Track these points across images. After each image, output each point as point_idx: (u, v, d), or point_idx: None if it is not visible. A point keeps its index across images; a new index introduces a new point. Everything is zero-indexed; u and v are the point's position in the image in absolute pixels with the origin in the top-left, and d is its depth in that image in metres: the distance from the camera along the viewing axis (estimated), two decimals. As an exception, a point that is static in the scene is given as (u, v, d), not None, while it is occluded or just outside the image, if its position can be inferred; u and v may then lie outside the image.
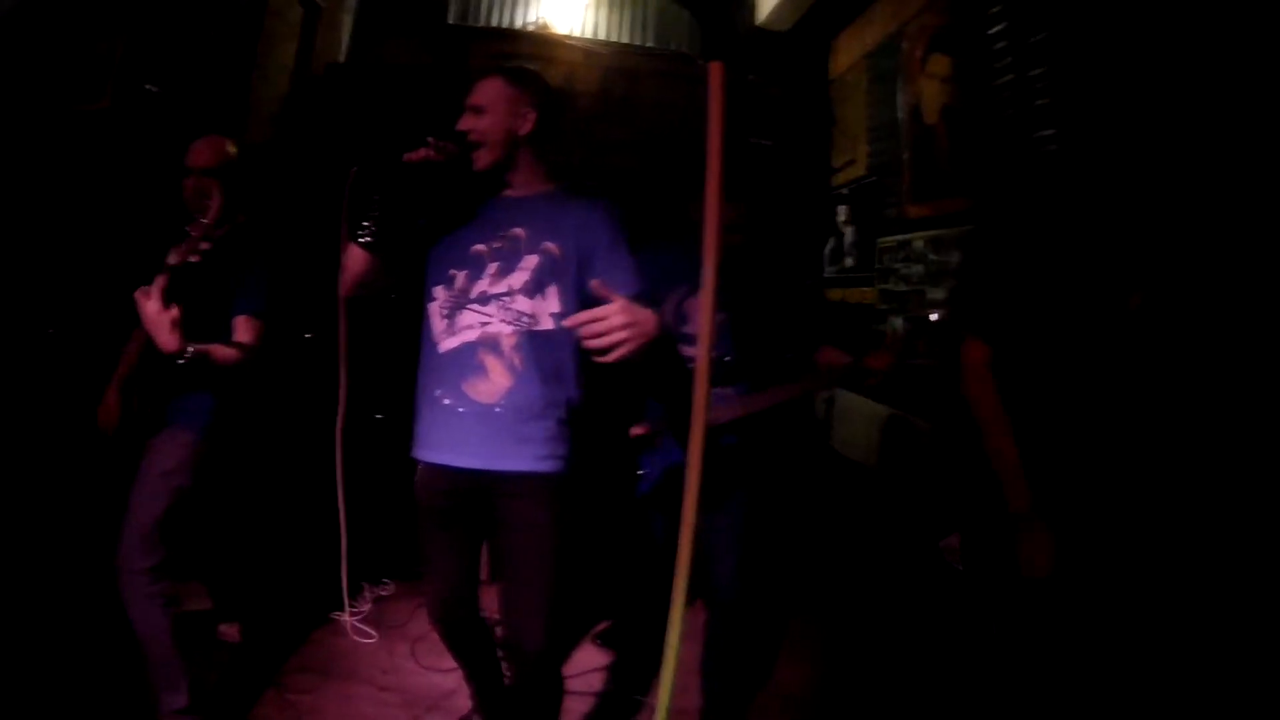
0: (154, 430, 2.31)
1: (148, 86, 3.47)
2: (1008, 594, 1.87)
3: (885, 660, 3.04)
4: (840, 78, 4.86)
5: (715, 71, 1.38)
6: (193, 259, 1.98)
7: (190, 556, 2.35)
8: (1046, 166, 2.70)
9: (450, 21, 5.25)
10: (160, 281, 1.94)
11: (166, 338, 1.95)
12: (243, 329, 2.31)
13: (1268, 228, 1.81)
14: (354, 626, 3.11)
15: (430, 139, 1.90)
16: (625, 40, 5.30)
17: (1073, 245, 1.82)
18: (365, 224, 1.89)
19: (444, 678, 2.80)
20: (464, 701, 2.57)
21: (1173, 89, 2.10)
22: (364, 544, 3.51)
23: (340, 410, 2.09)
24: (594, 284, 1.77)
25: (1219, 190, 1.89)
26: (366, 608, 3.29)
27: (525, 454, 1.94)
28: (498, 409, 1.93)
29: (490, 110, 1.98)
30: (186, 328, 1.98)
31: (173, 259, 1.99)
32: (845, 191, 4.69)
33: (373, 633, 3.10)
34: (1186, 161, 1.94)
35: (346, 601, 2.35)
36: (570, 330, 1.90)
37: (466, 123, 1.98)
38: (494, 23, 5.30)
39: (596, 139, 4.91)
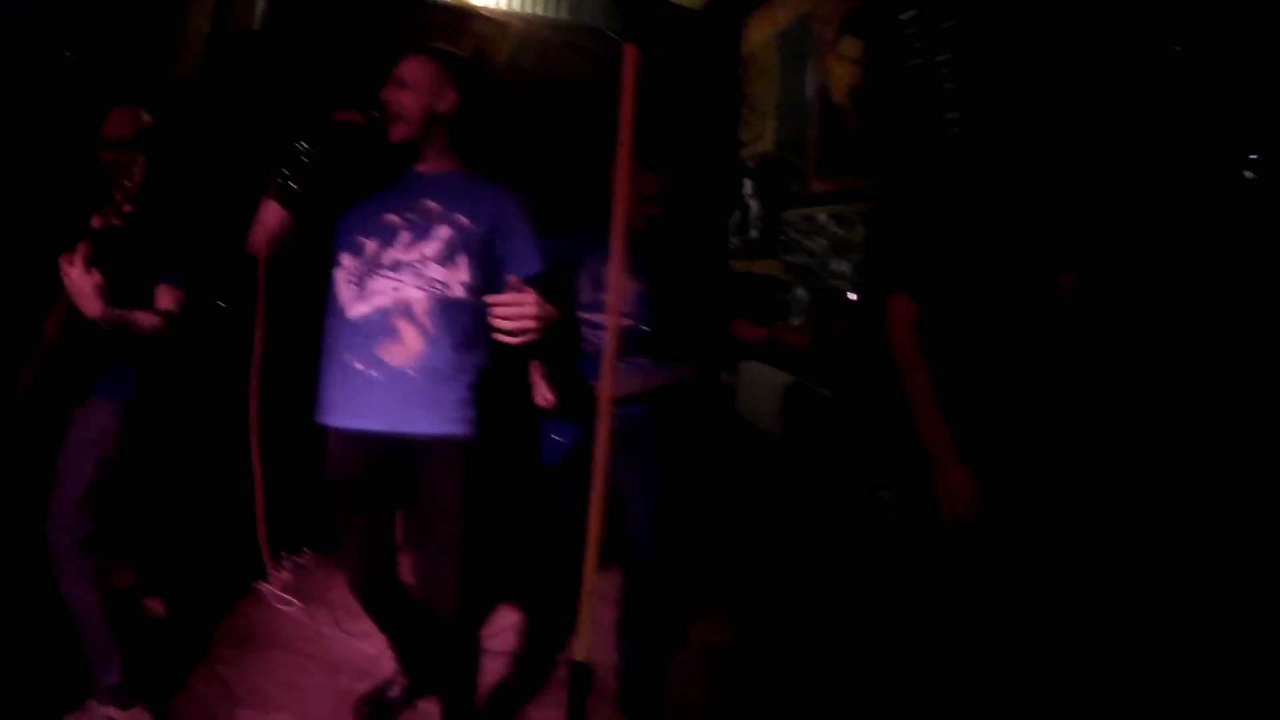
0: (76, 400, 2.26)
1: (67, 54, 3.27)
2: (935, 549, 2.01)
3: (799, 619, 3.17)
4: (751, 55, 4.97)
5: (630, 53, 1.44)
6: (115, 222, 1.96)
7: (113, 531, 2.31)
8: (958, 149, 2.86)
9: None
10: (83, 247, 1.92)
11: (90, 303, 1.93)
12: (165, 297, 2.28)
13: (1177, 212, 1.97)
14: (275, 595, 3.12)
15: (359, 104, 1.94)
16: (541, 14, 5.25)
17: (989, 220, 1.97)
18: (287, 178, 1.90)
19: (366, 643, 2.80)
20: (387, 665, 2.58)
21: (1075, 77, 2.26)
22: (282, 512, 3.50)
23: (254, 378, 2.10)
24: (511, 279, 1.89)
25: (1128, 178, 2.05)
26: (287, 576, 3.28)
27: (437, 417, 1.98)
28: (410, 372, 1.97)
29: (412, 86, 2.01)
30: (110, 295, 1.96)
31: (95, 223, 1.96)
32: (752, 166, 4.82)
33: (294, 601, 3.10)
34: (1089, 150, 2.09)
35: (269, 565, 2.31)
36: (481, 299, 1.99)
37: (388, 94, 2.00)
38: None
39: (508, 110, 4.88)
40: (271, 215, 1.93)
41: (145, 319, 2.19)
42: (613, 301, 1.66)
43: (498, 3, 5.18)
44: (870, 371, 2.98)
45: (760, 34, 4.84)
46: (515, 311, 1.81)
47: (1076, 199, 1.96)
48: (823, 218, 3.93)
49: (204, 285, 2.41)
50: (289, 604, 3.08)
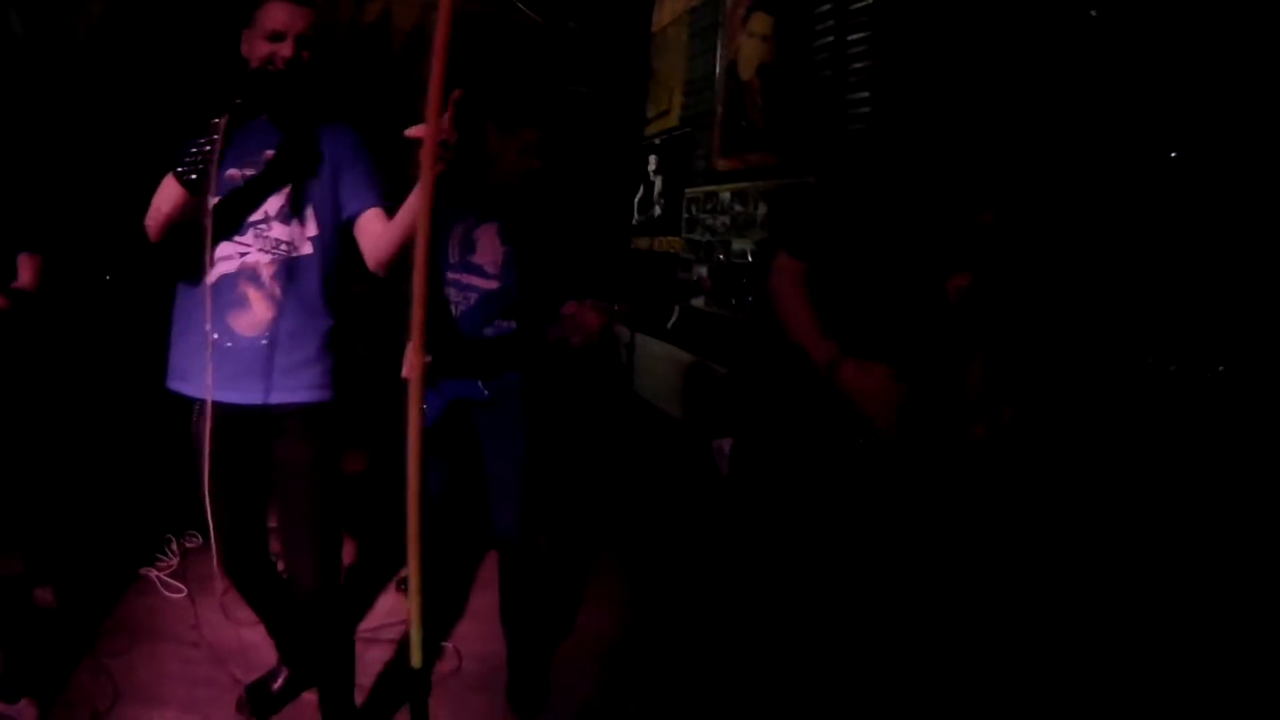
0: None
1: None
2: (768, 499, 2.01)
3: (691, 605, 3.14)
4: (662, 30, 4.91)
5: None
6: None
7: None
8: (864, 129, 2.87)
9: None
10: None
11: None
12: (25, 267, 2.18)
13: (1082, 200, 2.00)
14: (163, 581, 3.02)
15: (267, 69, 1.82)
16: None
17: (893, 208, 1.95)
18: (191, 159, 1.74)
19: (251, 630, 2.65)
20: (271, 655, 2.47)
21: (988, 61, 2.28)
22: (166, 494, 3.32)
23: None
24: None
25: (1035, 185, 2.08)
26: (174, 561, 3.16)
27: (293, 384, 1.92)
28: (263, 341, 1.89)
29: (300, 41, 1.87)
30: None
31: None
32: (657, 142, 4.77)
33: (181, 587, 2.99)
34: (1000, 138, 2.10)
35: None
36: (327, 255, 1.95)
37: (294, 51, 1.86)
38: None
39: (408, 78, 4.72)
40: (173, 199, 1.78)
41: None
42: (420, 259, 1.49)
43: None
44: (748, 336, 2.97)
45: (672, 9, 4.79)
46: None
47: (987, 204, 1.97)
48: (726, 196, 3.92)
49: (67, 255, 2.28)
50: (176, 590, 2.98)
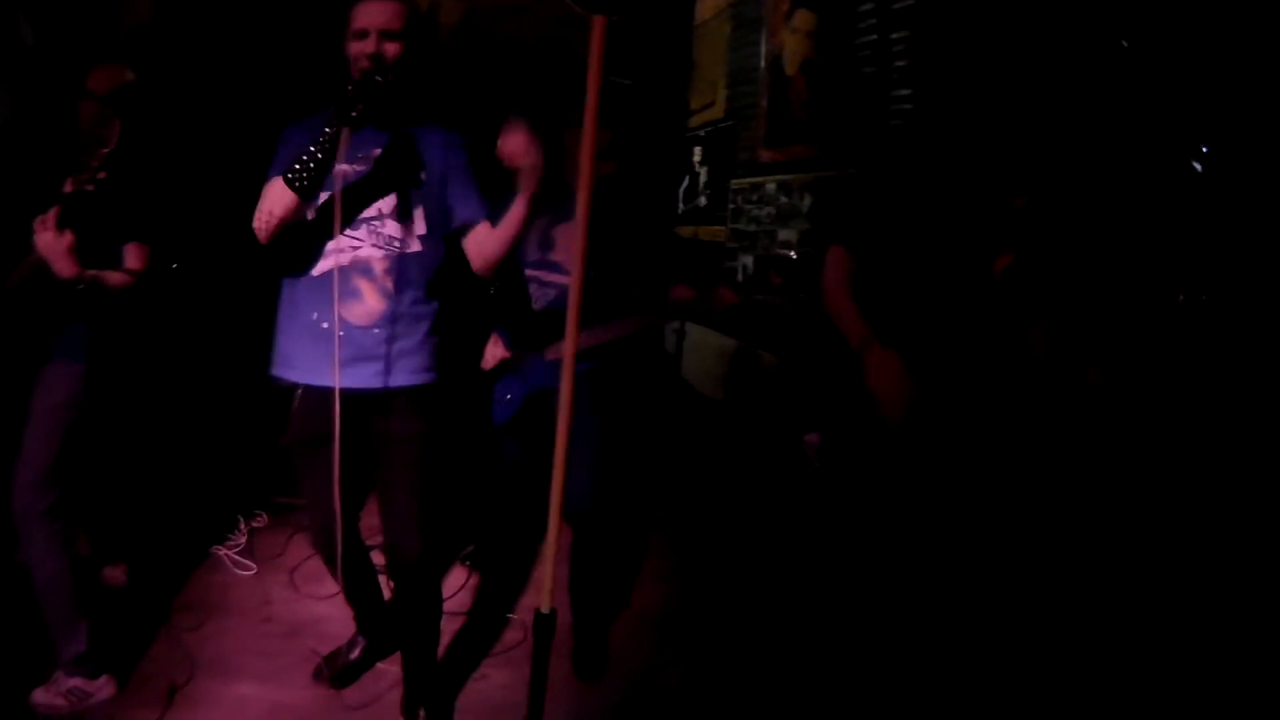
0: (39, 362, 2.21)
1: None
2: (863, 487, 2.14)
3: (739, 581, 3.26)
4: (704, 23, 5.01)
5: (598, 25, 1.49)
6: (88, 187, 1.93)
7: (76, 498, 2.29)
8: (909, 128, 2.97)
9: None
10: (55, 209, 1.91)
11: (63, 264, 1.94)
12: (133, 255, 2.26)
13: (1123, 196, 2.10)
14: (233, 559, 3.13)
15: (369, 76, 1.88)
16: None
17: (930, 189, 2.10)
18: (304, 165, 1.85)
19: (323, 605, 2.83)
20: (344, 627, 2.60)
21: (1029, 60, 2.38)
22: (235, 475, 3.49)
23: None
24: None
25: (1076, 167, 2.18)
26: (243, 540, 3.28)
27: (403, 369, 2.04)
28: (375, 330, 2.00)
29: (403, 35, 1.95)
30: (80, 254, 1.96)
31: (68, 187, 1.94)
32: (702, 133, 4.88)
33: (251, 565, 3.11)
34: (1038, 136, 2.21)
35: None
36: (435, 252, 2.06)
37: (383, 48, 1.93)
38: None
39: (461, 70, 4.85)
40: (283, 203, 1.89)
41: (116, 277, 2.18)
42: (577, 257, 1.68)
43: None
44: (809, 330, 3.10)
45: (714, 3, 4.89)
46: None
47: (1019, 191, 2.09)
48: (770, 187, 4.03)
49: (169, 245, 2.39)
50: (246, 568, 3.09)
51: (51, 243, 1.92)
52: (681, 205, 5.07)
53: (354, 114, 1.81)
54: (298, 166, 1.85)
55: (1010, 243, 2.05)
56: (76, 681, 2.25)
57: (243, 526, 3.37)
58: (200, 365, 3.64)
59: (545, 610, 1.60)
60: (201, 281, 2.73)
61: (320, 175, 1.86)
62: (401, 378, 2.04)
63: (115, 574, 2.91)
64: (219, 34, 4.30)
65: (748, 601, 3.09)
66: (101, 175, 1.93)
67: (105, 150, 1.93)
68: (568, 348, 1.66)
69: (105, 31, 3.73)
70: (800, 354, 3.41)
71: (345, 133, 1.82)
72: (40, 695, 2.23)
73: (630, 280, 2.75)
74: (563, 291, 2.67)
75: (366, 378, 2.01)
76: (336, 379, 1.91)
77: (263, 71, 4.17)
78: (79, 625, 2.24)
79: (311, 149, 1.85)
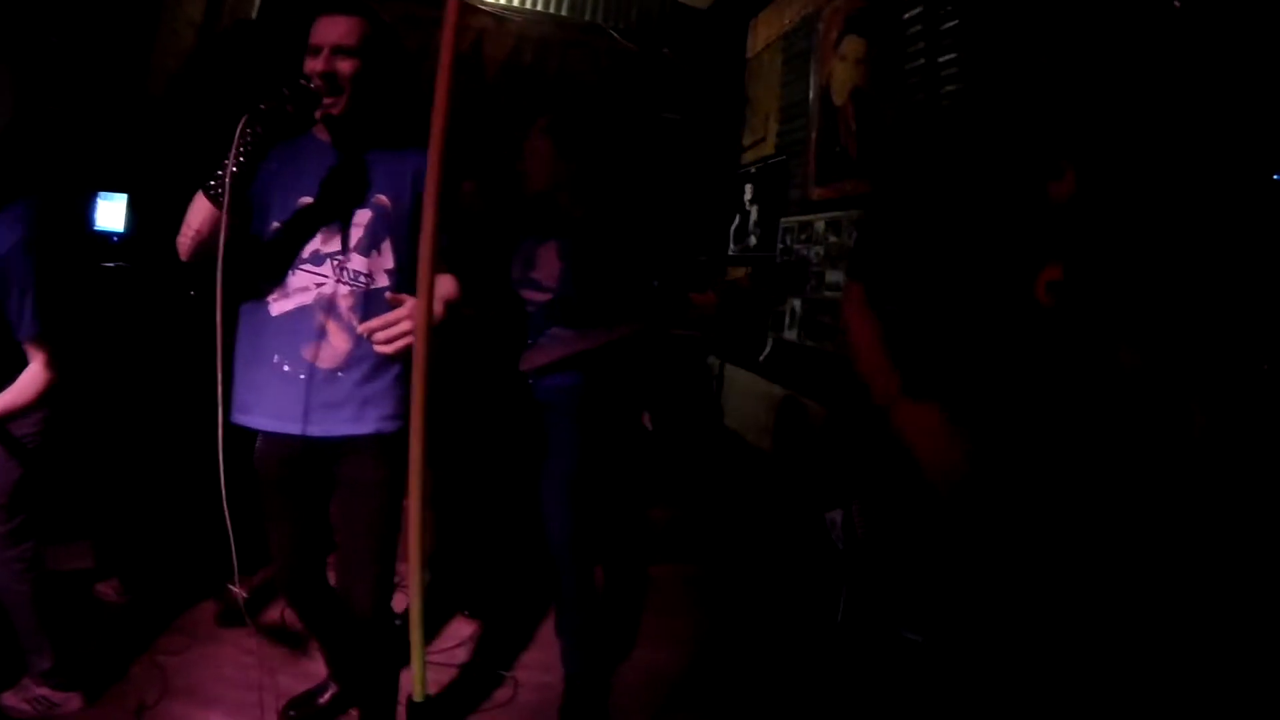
0: None
1: (50, 38, 3.20)
2: (888, 569, 1.85)
3: (757, 644, 3.03)
4: (756, 57, 4.84)
5: (451, 6, 1.26)
6: None
7: (74, 514, 2.38)
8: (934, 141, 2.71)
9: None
10: None
11: None
12: (33, 354, 2.12)
13: (1173, 223, 1.80)
14: (229, 588, 3.01)
15: (289, 86, 1.71)
16: (539, 9, 5.15)
17: (954, 207, 1.77)
18: (220, 175, 1.68)
19: (309, 642, 2.70)
20: (323, 666, 2.49)
21: (1079, 79, 2.11)
22: (238, 503, 3.42)
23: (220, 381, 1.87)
24: (387, 296, 1.79)
25: (1124, 184, 1.89)
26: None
27: (370, 416, 1.89)
28: (340, 374, 1.86)
29: (358, 52, 1.79)
30: None
31: None
32: (753, 170, 4.68)
33: (245, 594, 2.98)
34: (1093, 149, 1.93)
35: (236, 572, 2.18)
36: (403, 287, 1.86)
37: (335, 65, 1.78)
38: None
39: (501, 104, 4.81)
40: (203, 217, 1.73)
41: (18, 399, 2.09)
42: (422, 282, 1.39)
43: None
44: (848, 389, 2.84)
45: (765, 35, 4.72)
46: (397, 330, 1.71)
47: (1052, 176, 1.74)
48: (820, 225, 3.79)
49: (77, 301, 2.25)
50: (241, 597, 2.97)
51: None
52: (732, 245, 4.86)
53: (262, 107, 1.64)
54: (216, 175, 1.68)
55: (1052, 250, 1.64)
56: (44, 691, 2.27)
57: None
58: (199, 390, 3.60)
59: (418, 698, 1.38)
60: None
61: (239, 184, 1.67)
62: (369, 425, 1.88)
63: (107, 589, 2.90)
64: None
65: (774, 669, 2.85)
66: None
67: None
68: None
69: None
70: (841, 409, 3.13)
71: (254, 133, 1.64)
72: (8, 698, 2.27)
73: (612, 288, 2.65)
74: (540, 307, 2.60)
75: (332, 425, 1.86)
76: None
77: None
78: (44, 643, 2.24)
79: (230, 158, 1.66)
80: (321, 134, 1.88)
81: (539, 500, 2.54)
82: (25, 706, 2.25)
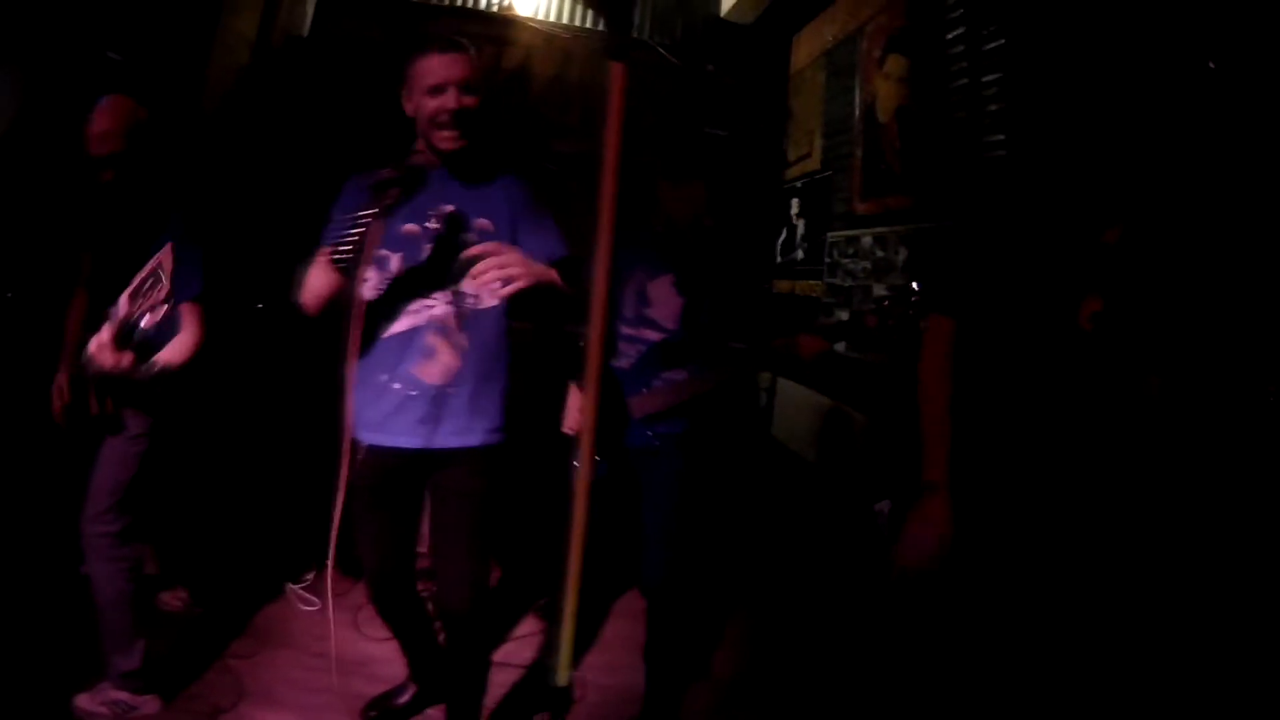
0: (113, 430, 2.30)
1: (109, 54, 3.37)
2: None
3: (818, 650, 3.10)
4: (800, 73, 4.91)
5: (617, 72, 1.39)
6: (143, 324, 1.90)
7: (145, 522, 2.38)
8: (1002, 171, 2.77)
9: (416, 1, 5.17)
10: (111, 331, 1.92)
11: (130, 373, 1.99)
12: (189, 316, 2.31)
13: (1221, 236, 1.87)
14: (298, 594, 3.16)
15: (400, 168, 1.80)
16: (586, 26, 5.29)
17: (1030, 246, 1.88)
18: (342, 247, 1.79)
19: (381, 646, 2.81)
20: (395, 670, 2.60)
21: (1123, 102, 2.17)
22: (309, 512, 3.53)
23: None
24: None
25: (1172, 201, 1.95)
26: (310, 577, 3.28)
27: (478, 429, 2.01)
28: (450, 390, 1.97)
29: (477, 89, 1.92)
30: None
31: (122, 310, 1.91)
32: (798, 185, 4.75)
33: (316, 601, 3.11)
34: (1137, 175, 1.99)
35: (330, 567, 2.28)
36: (507, 304, 1.99)
37: (459, 101, 1.90)
38: (459, 3, 5.24)
39: (550, 122, 4.94)
40: (326, 281, 1.86)
41: (177, 354, 2.25)
42: (597, 307, 1.58)
43: (545, 14, 5.23)
44: (897, 390, 2.91)
45: (808, 52, 4.79)
46: (503, 260, 1.75)
47: (1113, 223, 1.86)
48: (866, 240, 3.85)
49: (230, 290, 2.45)
50: (310, 604, 3.10)
51: (111, 362, 1.95)
52: (779, 258, 4.93)
53: (388, 203, 1.74)
54: (339, 247, 1.80)
55: (1097, 284, 1.80)
56: (122, 695, 2.30)
57: (312, 564, 3.35)
58: (285, 406, 3.71)
59: (563, 683, 1.50)
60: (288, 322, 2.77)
61: (359, 254, 1.78)
62: (476, 437, 2.01)
63: (172, 599, 2.95)
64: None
65: (833, 670, 2.93)
66: (152, 316, 1.92)
67: (160, 294, 1.88)
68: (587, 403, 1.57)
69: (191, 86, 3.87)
70: (885, 415, 3.20)
71: (389, 201, 1.75)
72: (84, 701, 2.29)
73: (725, 335, 2.65)
74: (653, 347, 2.60)
75: (442, 438, 1.98)
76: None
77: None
78: (135, 644, 2.30)
79: (353, 229, 1.78)
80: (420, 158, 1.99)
81: (637, 535, 2.59)
82: (102, 710, 2.29)
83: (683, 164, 2.69)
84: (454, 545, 2.07)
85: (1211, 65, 1.81)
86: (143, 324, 1.90)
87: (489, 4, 5.29)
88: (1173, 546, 1.80)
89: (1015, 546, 1.83)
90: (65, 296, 2.51)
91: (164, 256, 1.85)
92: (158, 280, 1.86)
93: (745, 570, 3.80)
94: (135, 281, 1.88)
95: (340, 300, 1.88)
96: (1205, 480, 1.79)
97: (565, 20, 5.23)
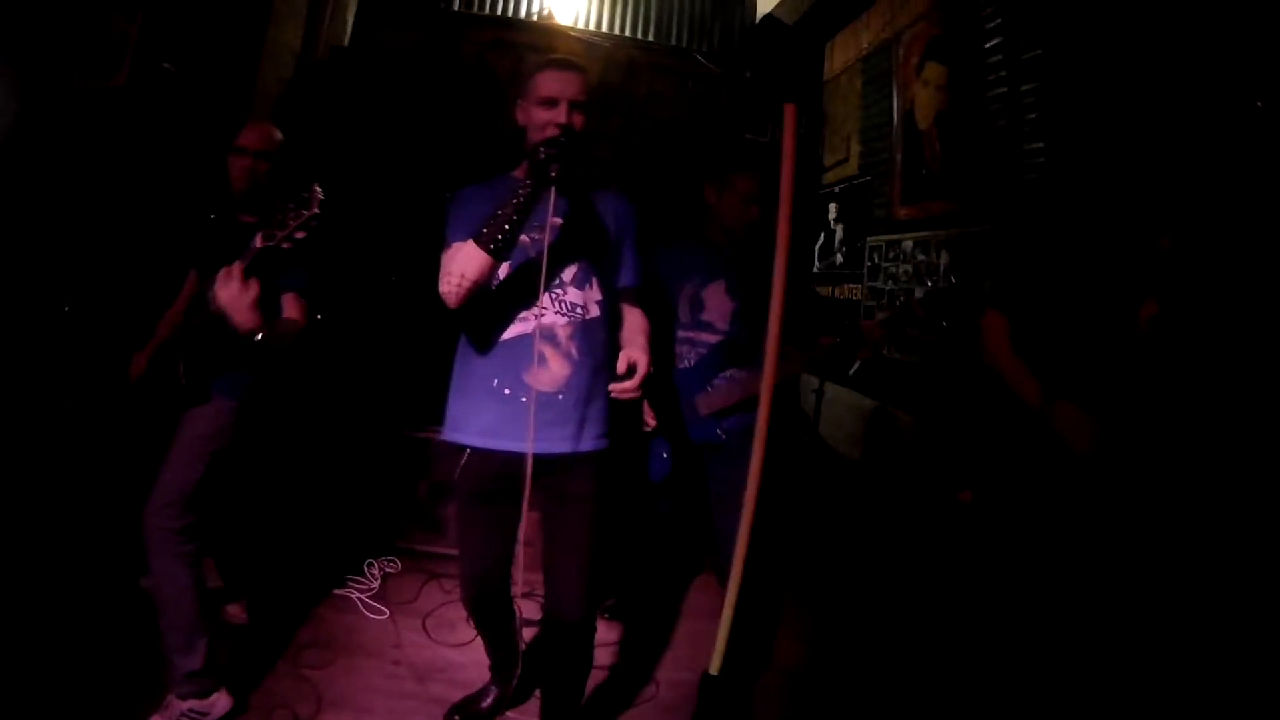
0: (198, 401, 2.34)
1: (164, 65, 3.51)
2: (1019, 542, 2.08)
3: (878, 639, 3.17)
4: (835, 78, 4.98)
5: (790, 113, 1.53)
6: (285, 245, 1.99)
7: (207, 530, 2.38)
8: (1041, 178, 2.85)
9: (455, 8, 5.30)
10: (242, 264, 1.98)
11: (246, 317, 1.99)
12: (291, 306, 2.37)
13: (1257, 241, 1.95)
14: (364, 603, 3.18)
15: (561, 139, 1.92)
16: (625, 33, 5.39)
17: (1078, 249, 2.02)
18: (497, 227, 1.88)
19: (456, 651, 2.89)
20: (475, 674, 2.67)
21: (1160, 111, 2.25)
22: (373, 520, 3.64)
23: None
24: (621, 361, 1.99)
25: (1208, 209, 2.04)
26: (375, 584, 3.35)
27: (587, 435, 2.09)
28: (560, 396, 2.05)
29: (588, 108, 2.02)
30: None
31: (259, 242, 2.00)
32: (836, 190, 4.83)
33: (383, 609, 3.16)
34: (1175, 182, 2.08)
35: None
36: (613, 316, 2.10)
37: (572, 118, 2.00)
38: (499, 11, 5.36)
39: (591, 128, 5.03)
40: (479, 266, 1.90)
41: (287, 326, 2.32)
42: (775, 302, 1.84)
43: (585, 23, 5.34)
44: (953, 390, 3.00)
45: (843, 57, 4.86)
46: (628, 394, 1.95)
47: (1165, 232, 1.97)
48: (907, 244, 3.93)
49: (321, 295, 2.51)
50: (378, 612, 3.14)
51: (237, 295, 1.96)
52: (817, 263, 5.01)
53: (553, 174, 1.85)
54: (492, 228, 1.88)
55: (1155, 288, 1.95)
56: (190, 703, 2.29)
57: (376, 571, 3.43)
58: (338, 413, 3.79)
59: (714, 672, 1.60)
60: (347, 331, 2.83)
61: (514, 237, 1.89)
62: (586, 443, 2.09)
63: (237, 611, 2.95)
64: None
65: (887, 659, 3.00)
66: (300, 235, 2.00)
67: (308, 214, 1.98)
68: (765, 388, 1.76)
69: (243, 85, 4.00)
70: (944, 414, 3.28)
71: (548, 194, 1.87)
72: None
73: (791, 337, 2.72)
74: (712, 349, 2.71)
75: (552, 443, 2.05)
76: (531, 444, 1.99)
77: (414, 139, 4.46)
78: (198, 642, 2.28)
79: (506, 210, 1.87)
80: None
81: (696, 521, 2.68)
82: None
83: (723, 163, 2.78)
84: (567, 553, 2.11)
85: (1259, 104, 1.90)
86: (284, 247, 1.98)
87: (529, 12, 5.42)
88: (1220, 542, 1.89)
89: (1080, 546, 1.94)
90: (135, 311, 2.55)
91: (317, 187, 1.97)
92: (304, 205, 1.96)
93: (804, 563, 3.88)
94: (273, 217, 1.99)
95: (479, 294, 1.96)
96: (1252, 480, 1.87)
97: (604, 29, 5.34)
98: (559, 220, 2.04)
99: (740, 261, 2.73)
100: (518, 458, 2.01)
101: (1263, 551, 1.83)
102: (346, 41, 5.02)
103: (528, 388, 2.03)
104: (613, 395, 1.98)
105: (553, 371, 2.04)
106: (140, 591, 2.46)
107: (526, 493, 1.96)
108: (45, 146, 3.35)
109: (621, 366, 1.97)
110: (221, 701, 2.34)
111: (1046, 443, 2.02)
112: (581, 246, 2.08)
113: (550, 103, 2.00)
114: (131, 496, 2.30)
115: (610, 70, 5.11)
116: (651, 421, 2.73)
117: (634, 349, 2.02)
